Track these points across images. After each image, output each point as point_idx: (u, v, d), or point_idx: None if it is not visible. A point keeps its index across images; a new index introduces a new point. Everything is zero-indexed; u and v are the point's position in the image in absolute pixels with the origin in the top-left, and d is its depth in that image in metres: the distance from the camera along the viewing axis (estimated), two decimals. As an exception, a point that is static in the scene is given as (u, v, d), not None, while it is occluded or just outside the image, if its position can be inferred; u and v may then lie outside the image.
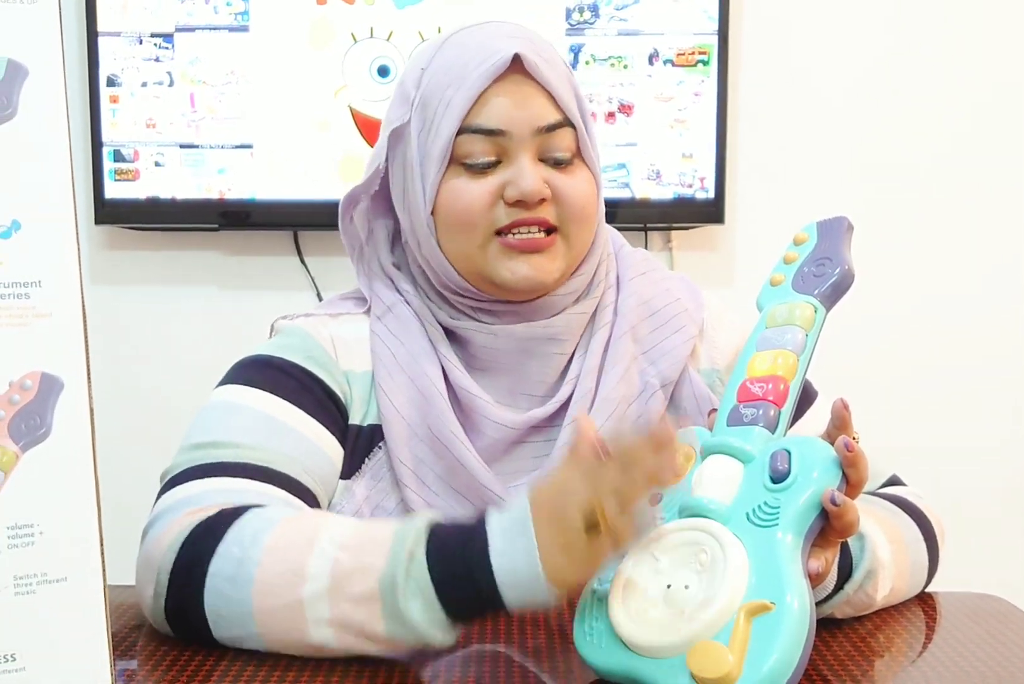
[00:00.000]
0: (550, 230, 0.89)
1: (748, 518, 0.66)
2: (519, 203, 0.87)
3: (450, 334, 0.94)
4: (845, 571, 0.78)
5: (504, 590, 0.67)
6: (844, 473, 0.67)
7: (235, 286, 1.98)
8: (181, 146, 1.89)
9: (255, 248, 1.97)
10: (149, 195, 1.89)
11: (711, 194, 1.92)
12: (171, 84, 1.89)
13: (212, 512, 0.76)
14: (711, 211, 1.93)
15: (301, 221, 1.91)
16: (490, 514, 0.70)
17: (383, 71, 1.90)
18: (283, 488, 0.83)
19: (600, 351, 0.93)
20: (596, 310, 0.95)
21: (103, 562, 0.60)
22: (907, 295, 2.01)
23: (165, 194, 1.90)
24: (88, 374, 0.60)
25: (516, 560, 0.66)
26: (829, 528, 0.67)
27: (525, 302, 0.92)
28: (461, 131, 0.87)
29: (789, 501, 0.66)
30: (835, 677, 0.70)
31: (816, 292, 0.76)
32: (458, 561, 0.68)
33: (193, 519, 0.75)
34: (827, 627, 0.79)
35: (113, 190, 1.89)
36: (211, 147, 1.89)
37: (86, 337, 0.60)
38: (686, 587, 0.65)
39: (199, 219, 1.91)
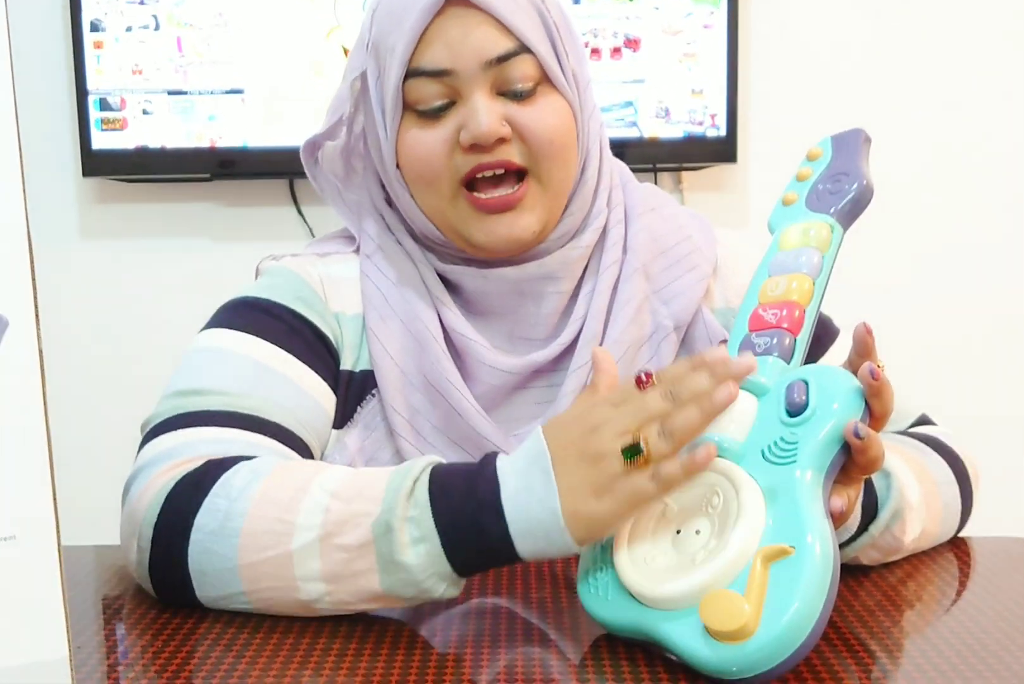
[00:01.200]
0: (520, 173, 0.84)
1: (764, 455, 0.63)
2: (475, 147, 0.82)
3: (442, 277, 0.91)
4: (870, 511, 0.74)
5: (517, 538, 0.63)
6: (867, 404, 0.63)
7: (230, 238, 1.96)
8: (169, 93, 1.85)
9: (249, 198, 1.96)
10: (138, 145, 1.86)
11: (723, 132, 1.89)
12: (157, 28, 1.85)
13: (198, 464, 0.72)
14: (723, 149, 1.90)
15: (297, 169, 1.82)
16: (499, 456, 0.66)
17: (377, 10, 1.84)
18: (273, 438, 0.80)
19: (608, 291, 0.89)
20: (603, 247, 0.91)
21: (57, 519, 0.56)
22: (929, 217, 1.98)
23: (154, 143, 1.86)
24: (36, 312, 0.55)
25: (531, 505, 0.62)
26: (852, 464, 0.64)
27: None
28: (408, 76, 0.84)
29: (808, 436, 0.62)
30: (864, 628, 0.67)
31: (832, 210, 0.73)
32: (464, 504, 0.63)
33: (178, 472, 0.72)
34: (853, 575, 0.77)
35: (100, 140, 1.86)
36: (200, 93, 1.85)
37: (33, 272, 0.55)
38: (697, 532, 0.62)
39: (190, 169, 1.89)
